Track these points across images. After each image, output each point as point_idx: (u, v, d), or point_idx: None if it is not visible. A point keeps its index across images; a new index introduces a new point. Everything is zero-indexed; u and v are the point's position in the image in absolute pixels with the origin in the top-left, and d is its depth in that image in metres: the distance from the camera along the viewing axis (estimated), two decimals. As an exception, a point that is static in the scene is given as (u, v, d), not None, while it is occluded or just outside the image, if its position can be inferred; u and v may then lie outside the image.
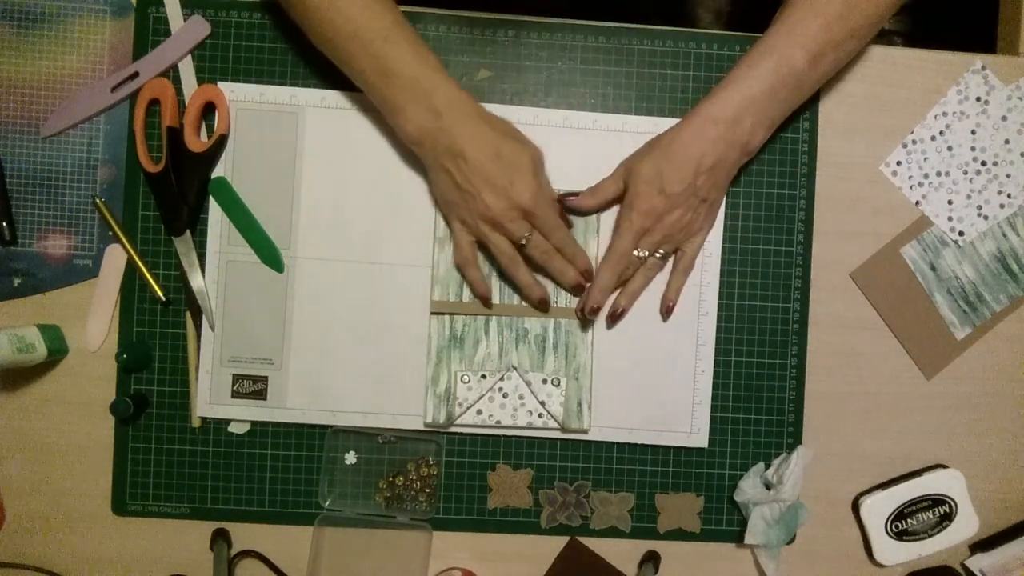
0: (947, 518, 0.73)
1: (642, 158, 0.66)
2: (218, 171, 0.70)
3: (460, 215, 0.66)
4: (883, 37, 1.07)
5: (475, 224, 0.65)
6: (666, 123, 0.71)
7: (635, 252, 0.67)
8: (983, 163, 0.73)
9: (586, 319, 0.70)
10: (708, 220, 0.69)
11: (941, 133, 0.73)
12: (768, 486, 0.71)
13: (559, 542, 0.73)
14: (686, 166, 0.63)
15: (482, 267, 0.70)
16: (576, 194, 0.69)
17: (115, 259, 0.70)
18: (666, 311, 0.71)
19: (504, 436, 0.72)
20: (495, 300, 0.70)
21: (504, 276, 0.70)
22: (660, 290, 0.71)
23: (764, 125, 0.64)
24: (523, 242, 0.65)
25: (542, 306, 0.69)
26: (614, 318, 0.70)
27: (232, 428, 0.71)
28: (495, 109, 0.70)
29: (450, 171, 0.63)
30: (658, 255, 0.68)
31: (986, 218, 0.73)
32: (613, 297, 0.70)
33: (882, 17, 0.64)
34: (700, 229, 0.68)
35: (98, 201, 0.70)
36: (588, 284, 0.69)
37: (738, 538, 0.73)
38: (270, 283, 0.71)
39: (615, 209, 0.70)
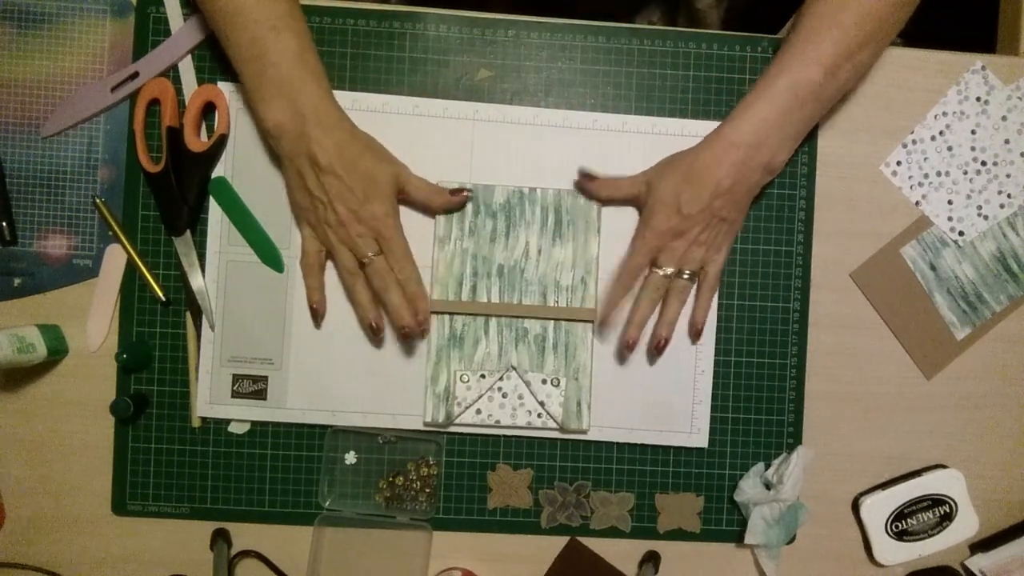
0: (947, 518, 0.73)
1: (662, 176, 0.66)
2: (218, 171, 0.70)
3: (309, 220, 0.66)
4: (883, 37, 1.07)
5: (323, 233, 0.65)
6: (665, 123, 0.71)
7: (660, 271, 0.67)
8: (983, 163, 0.73)
9: (411, 339, 0.69)
10: (728, 238, 0.68)
11: (941, 133, 0.73)
12: (768, 486, 0.71)
13: (559, 542, 0.73)
14: (704, 189, 0.63)
15: (480, 269, 0.70)
16: (595, 177, 0.68)
17: (115, 259, 0.70)
18: (695, 334, 0.70)
19: (504, 436, 0.72)
20: (495, 300, 0.70)
21: (344, 288, 0.69)
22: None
23: (786, 144, 0.64)
24: (365, 260, 0.64)
25: (374, 332, 0.68)
26: (659, 350, 0.69)
27: (232, 428, 0.71)
28: (495, 109, 0.70)
29: (304, 175, 0.63)
30: (685, 276, 0.67)
31: (986, 218, 0.73)
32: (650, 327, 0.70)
33: (899, 21, 0.63)
34: (721, 247, 0.68)
35: (98, 201, 0.70)
36: (421, 329, 0.68)
37: (738, 538, 0.73)
38: (270, 283, 0.71)
39: (617, 210, 0.70)
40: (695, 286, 0.69)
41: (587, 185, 0.69)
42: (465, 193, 0.68)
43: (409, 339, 0.69)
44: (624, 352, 0.70)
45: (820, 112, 0.65)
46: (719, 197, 0.64)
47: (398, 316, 0.66)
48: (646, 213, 0.67)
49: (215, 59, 0.70)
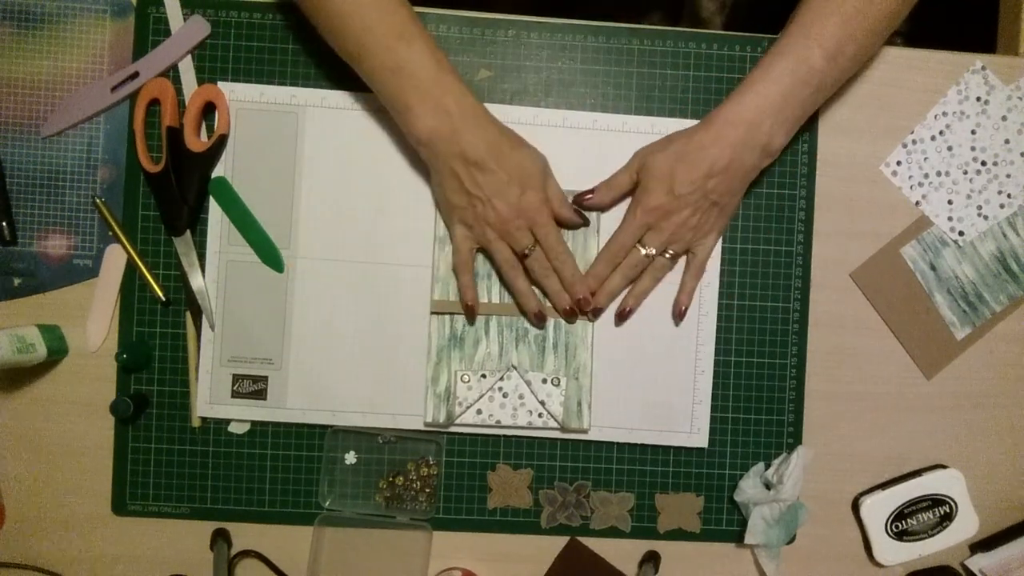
0: (947, 518, 0.73)
1: (656, 154, 0.65)
2: (218, 171, 0.70)
3: (465, 219, 0.66)
4: (883, 37, 1.07)
5: (481, 230, 0.65)
6: (665, 123, 0.71)
7: (643, 250, 0.67)
8: (983, 163, 0.73)
9: (576, 316, 0.69)
10: (719, 223, 0.68)
11: (941, 133, 0.73)
12: (768, 486, 0.71)
13: (559, 542, 0.73)
14: (698, 167, 0.63)
15: (480, 269, 0.70)
16: (590, 192, 0.68)
17: (115, 259, 0.70)
18: (678, 315, 0.70)
19: (504, 436, 0.72)
20: (495, 300, 0.70)
21: (503, 281, 0.69)
22: (662, 290, 0.71)
23: (784, 126, 0.63)
24: (526, 252, 0.65)
25: (537, 319, 0.69)
26: (621, 317, 0.70)
27: (232, 428, 0.71)
28: (495, 109, 0.70)
29: (459, 175, 0.63)
30: (667, 255, 0.68)
31: (986, 218, 0.73)
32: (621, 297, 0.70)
33: (900, 12, 0.63)
34: (711, 231, 0.68)
35: (98, 201, 0.70)
36: (582, 310, 0.69)
37: (738, 538, 0.73)
38: (270, 283, 0.71)
39: (617, 210, 0.70)
40: (682, 268, 0.70)
41: (587, 202, 0.68)
42: (585, 225, 0.69)
43: (575, 317, 0.70)
44: (589, 316, 0.70)
45: (820, 98, 0.64)
46: (713, 177, 0.63)
47: (559, 301, 0.68)
48: (639, 191, 0.66)
49: (215, 59, 0.70)
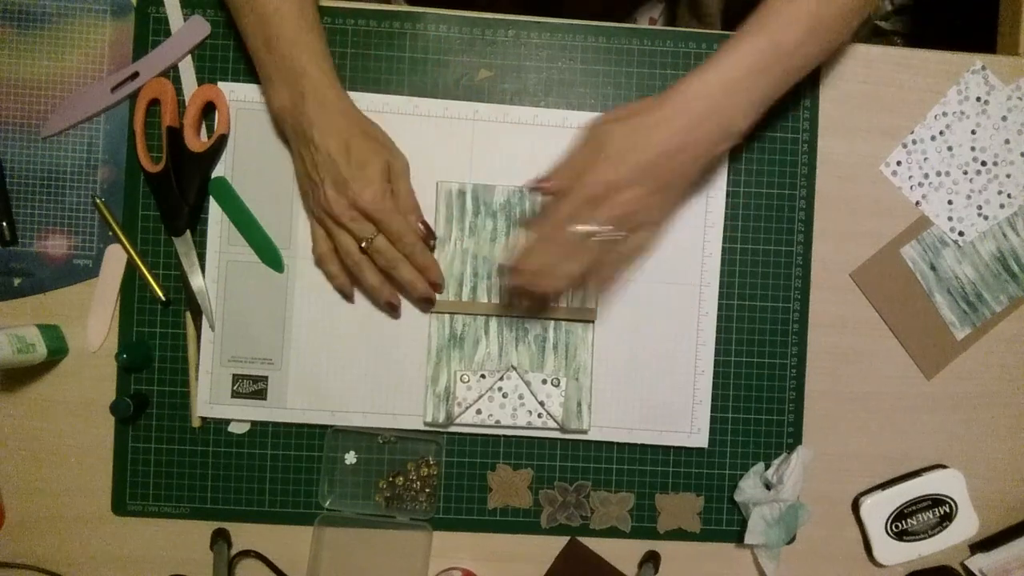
0: (947, 518, 0.73)
1: (611, 125, 0.61)
2: (218, 171, 0.70)
3: (309, 206, 0.66)
4: (883, 37, 1.07)
5: (320, 218, 0.65)
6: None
7: (580, 227, 0.60)
8: (983, 163, 0.73)
9: (433, 304, 0.69)
10: (663, 213, 0.64)
11: (941, 133, 0.73)
12: (768, 486, 0.71)
13: (559, 542, 0.73)
14: (650, 144, 0.59)
15: (480, 269, 0.70)
16: (547, 179, 0.63)
17: (115, 259, 0.70)
18: (595, 292, 0.69)
19: (504, 436, 0.72)
20: (495, 300, 0.70)
21: (357, 277, 0.68)
22: (662, 290, 0.71)
23: (746, 108, 0.60)
24: (364, 244, 0.64)
25: (390, 310, 0.68)
26: (544, 297, 0.68)
27: (232, 428, 0.71)
28: (495, 109, 0.70)
29: (303, 157, 0.64)
30: (606, 236, 0.60)
31: (986, 218, 0.73)
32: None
33: (867, 2, 0.62)
34: (653, 221, 0.63)
35: (98, 201, 0.70)
36: (438, 290, 0.68)
37: (738, 538, 0.73)
38: (270, 283, 0.71)
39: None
40: (612, 251, 0.63)
41: (544, 187, 0.62)
42: (432, 242, 0.68)
43: (430, 304, 0.69)
44: (510, 295, 0.69)
45: (784, 83, 0.61)
46: (664, 156, 0.59)
47: (412, 289, 0.67)
48: (584, 163, 0.61)
49: (215, 59, 0.70)
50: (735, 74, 0.59)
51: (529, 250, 0.62)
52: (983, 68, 0.73)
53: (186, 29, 0.69)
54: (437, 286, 0.68)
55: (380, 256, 0.65)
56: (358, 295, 0.70)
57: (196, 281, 0.70)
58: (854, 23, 0.63)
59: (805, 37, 0.60)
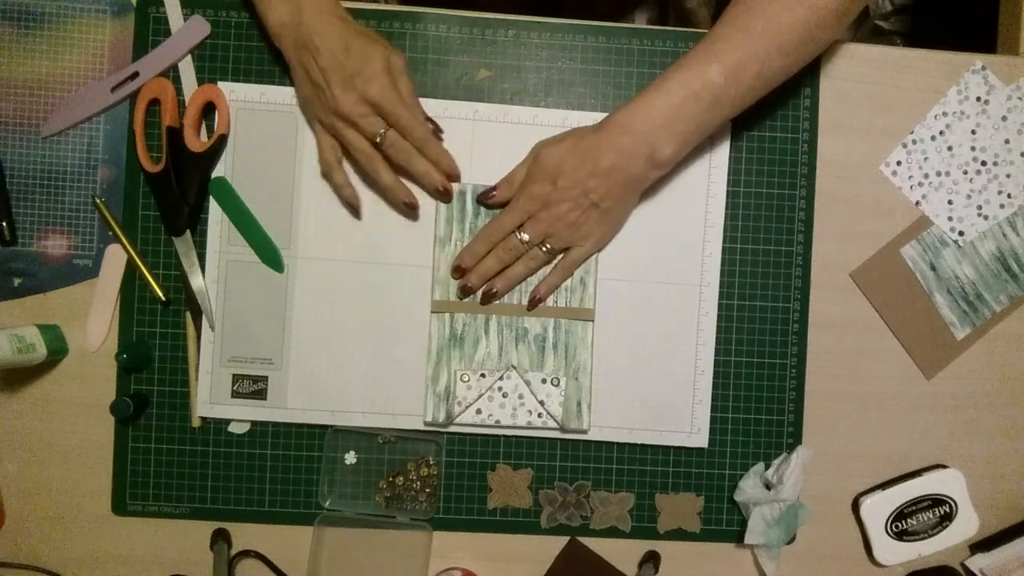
0: (947, 518, 0.73)
1: (550, 146, 0.65)
2: (218, 171, 0.70)
3: (316, 113, 0.66)
4: (883, 37, 1.07)
5: (329, 121, 0.65)
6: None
7: (520, 235, 0.67)
8: (983, 163, 0.73)
9: (450, 196, 0.70)
10: (600, 228, 0.68)
11: (941, 133, 0.73)
12: (768, 486, 0.71)
13: (559, 542, 0.73)
14: (583, 165, 0.63)
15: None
16: (494, 189, 0.68)
17: (115, 259, 0.70)
18: (530, 302, 0.70)
19: (504, 436, 0.72)
20: (495, 301, 0.70)
21: (367, 179, 0.69)
22: (662, 291, 0.71)
23: (675, 139, 0.63)
24: (377, 139, 0.64)
25: (409, 209, 0.69)
26: (487, 297, 0.69)
27: (232, 428, 0.71)
28: (495, 109, 0.70)
29: (305, 66, 0.63)
30: (543, 249, 0.67)
31: (986, 218, 0.73)
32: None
33: (814, 40, 0.62)
34: (589, 235, 0.67)
35: (98, 201, 0.70)
36: (455, 181, 0.69)
37: (738, 538, 0.73)
38: (270, 283, 0.71)
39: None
40: (553, 262, 0.70)
41: (491, 199, 0.69)
42: (440, 135, 0.69)
43: (448, 197, 0.70)
44: (458, 293, 0.70)
45: (721, 115, 0.63)
46: (595, 177, 0.63)
47: (430, 181, 0.68)
48: (527, 179, 0.66)
49: (215, 59, 0.70)
50: (664, 108, 0.62)
51: (474, 252, 0.68)
52: (983, 68, 0.73)
53: (186, 29, 0.69)
54: (452, 176, 0.69)
55: (394, 149, 0.65)
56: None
57: (196, 281, 0.70)
58: (796, 58, 0.63)
59: (736, 71, 0.61)
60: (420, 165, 0.67)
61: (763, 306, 0.73)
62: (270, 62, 0.70)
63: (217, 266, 0.70)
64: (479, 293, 0.70)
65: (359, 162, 0.66)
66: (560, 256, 0.69)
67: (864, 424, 0.74)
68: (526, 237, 0.67)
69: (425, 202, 0.70)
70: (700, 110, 0.62)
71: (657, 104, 0.62)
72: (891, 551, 0.73)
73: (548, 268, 0.70)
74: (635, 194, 0.68)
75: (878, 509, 0.73)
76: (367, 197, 0.70)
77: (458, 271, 0.69)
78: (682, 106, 0.61)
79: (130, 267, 0.70)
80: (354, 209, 0.70)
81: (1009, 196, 0.73)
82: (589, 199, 0.65)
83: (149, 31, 0.70)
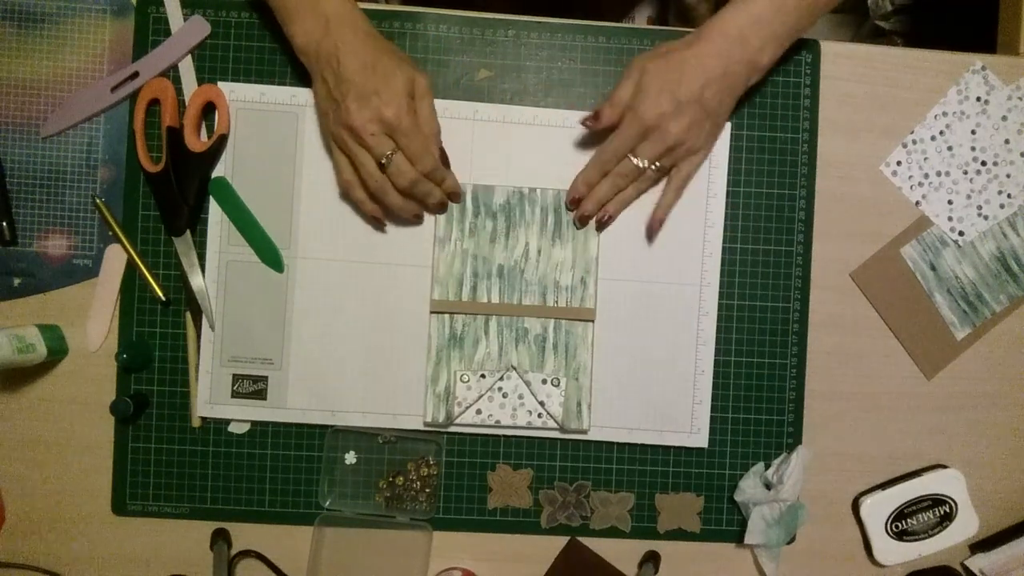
0: (947, 518, 0.73)
1: (657, 60, 0.65)
2: (218, 171, 0.70)
3: (330, 127, 0.66)
4: (883, 37, 1.07)
5: (340, 134, 0.64)
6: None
7: (635, 160, 0.66)
8: (983, 163, 0.73)
9: (447, 207, 0.70)
10: (709, 140, 0.68)
11: (941, 133, 0.73)
12: (768, 486, 0.71)
13: (559, 542, 0.73)
14: (698, 74, 0.63)
15: (480, 269, 0.70)
16: (594, 116, 0.66)
17: (115, 259, 0.70)
18: (656, 223, 0.69)
19: (504, 436, 0.72)
20: (495, 300, 0.70)
21: (379, 199, 0.68)
22: (665, 292, 0.71)
23: (772, 42, 0.64)
24: (383, 160, 0.64)
25: (416, 220, 0.69)
26: (601, 224, 0.70)
27: (232, 428, 0.71)
28: (495, 109, 0.70)
29: (326, 80, 0.63)
30: (654, 167, 0.67)
31: (986, 218, 0.73)
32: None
33: None
34: (701, 148, 0.68)
35: (98, 201, 0.70)
36: (456, 200, 0.70)
37: (738, 538, 0.73)
38: (270, 283, 0.71)
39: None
40: (664, 182, 0.70)
41: (594, 124, 0.66)
42: (448, 166, 0.69)
43: (444, 208, 0.70)
44: (575, 222, 0.70)
45: (809, 18, 0.65)
46: (711, 86, 0.64)
47: (431, 199, 0.68)
48: (639, 98, 0.64)
49: (215, 59, 0.70)
50: (756, 13, 0.63)
51: (588, 180, 0.68)
52: (983, 68, 0.73)
53: (186, 29, 0.69)
54: (454, 199, 0.70)
55: (398, 175, 0.65)
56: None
57: (196, 281, 0.70)
58: None
59: None
60: (422, 186, 0.66)
61: (763, 306, 0.73)
62: (270, 62, 0.70)
63: (217, 266, 0.70)
64: (592, 221, 0.70)
65: (367, 185, 0.66)
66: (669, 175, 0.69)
67: (864, 424, 0.74)
68: (643, 162, 0.66)
69: (425, 202, 0.70)
70: (792, 13, 0.63)
71: (752, 10, 0.63)
72: (891, 551, 0.73)
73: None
74: (735, 98, 0.67)
75: (878, 509, 0.73)
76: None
77: (574, 201, 0.70)
78: (779, 10, 0.63)
79: (130, 267, 0.70)
80: (379, 224, 0.70)
81: (1009, 196, 0.73)
82: (705, 109, 0.64)
83: (149, 31, 0.70)
